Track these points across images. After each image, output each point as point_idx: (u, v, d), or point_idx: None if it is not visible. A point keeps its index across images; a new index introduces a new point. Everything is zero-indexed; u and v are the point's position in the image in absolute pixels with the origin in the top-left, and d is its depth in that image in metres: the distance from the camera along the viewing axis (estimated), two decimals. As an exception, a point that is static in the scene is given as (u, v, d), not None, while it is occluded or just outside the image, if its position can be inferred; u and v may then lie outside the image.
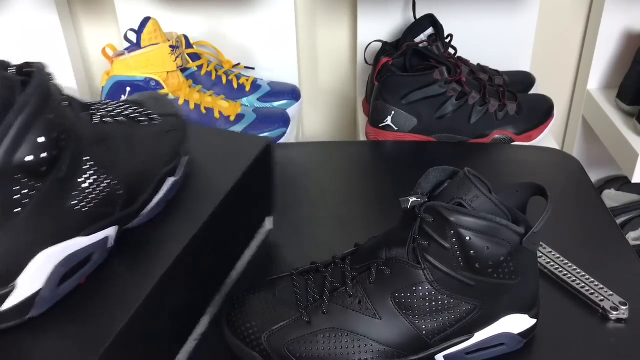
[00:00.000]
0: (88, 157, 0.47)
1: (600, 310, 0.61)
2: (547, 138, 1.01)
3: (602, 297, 0.61)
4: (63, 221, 0.45)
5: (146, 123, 0.57)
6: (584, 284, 0.63)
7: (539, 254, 0.67)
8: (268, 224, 0.75)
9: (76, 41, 1.22)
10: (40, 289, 0.44)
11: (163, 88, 0.95)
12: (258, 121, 1.00)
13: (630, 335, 0.59)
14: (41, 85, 0.42)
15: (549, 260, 0.67)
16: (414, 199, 0.53)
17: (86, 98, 1.02)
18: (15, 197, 0.41)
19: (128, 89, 0.94)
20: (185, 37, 1.04)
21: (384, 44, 1.06)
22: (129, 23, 1.12)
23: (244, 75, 1.10)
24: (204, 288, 0.62)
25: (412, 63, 0.98)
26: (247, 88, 1.07)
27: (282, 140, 1.01)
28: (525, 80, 1.12)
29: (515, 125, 0.97)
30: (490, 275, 0.52)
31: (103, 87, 0.96)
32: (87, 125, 0.48)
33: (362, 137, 1.03)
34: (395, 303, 0.53)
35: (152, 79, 0.95)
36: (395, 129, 0.96)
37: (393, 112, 0.95)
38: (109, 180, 0.49)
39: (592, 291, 0.62)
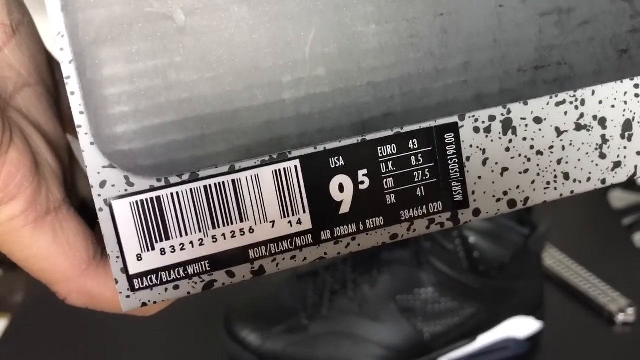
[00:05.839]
0: None
1: (607, 314, 0.60)
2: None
3: (609, 299, 0.61)
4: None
5: None
6: (590, 285, 0.62)
7: (544, 255, 0.66)
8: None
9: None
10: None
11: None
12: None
13: (637, 338, 0.58)
14: None
15: (554, 262, 0.66)
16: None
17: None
18: None
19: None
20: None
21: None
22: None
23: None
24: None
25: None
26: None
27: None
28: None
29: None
30: (494, 277, 0.51)
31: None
32: None
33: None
34: (397, 306, 0.52)
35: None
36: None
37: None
38: None
39: (599, 292, 0.61)
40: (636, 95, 0.24)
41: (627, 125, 0.24)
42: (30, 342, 0.61)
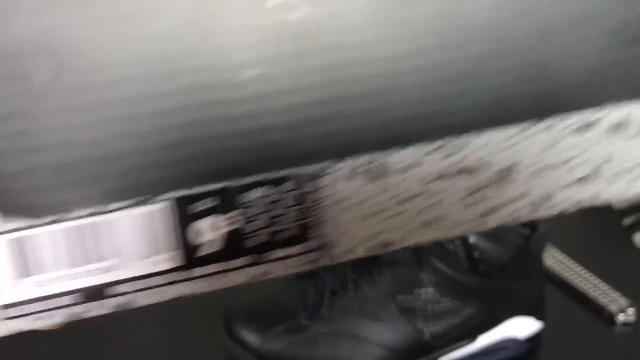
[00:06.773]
0: None
1: (607, 314, 0.60)
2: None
3: (609, 299, 0.61)
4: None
5: None
6: (590, 285, 0.62)
7: (544, 255, 0.66)
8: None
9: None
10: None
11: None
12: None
13: (637, 338, 0.58)
14: None
15: (554, 262, 0.66)
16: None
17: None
18: None
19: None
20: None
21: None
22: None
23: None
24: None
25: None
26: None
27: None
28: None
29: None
30: (494, 277, 0.51)
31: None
32: None
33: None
34: (397, 306, 0.52)
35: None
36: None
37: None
38: None
39: (599, 292, 0.61)
40: (513, 144, 0.24)
41: (506, 172, 0.24)
42: (31, 342, 0.61)
